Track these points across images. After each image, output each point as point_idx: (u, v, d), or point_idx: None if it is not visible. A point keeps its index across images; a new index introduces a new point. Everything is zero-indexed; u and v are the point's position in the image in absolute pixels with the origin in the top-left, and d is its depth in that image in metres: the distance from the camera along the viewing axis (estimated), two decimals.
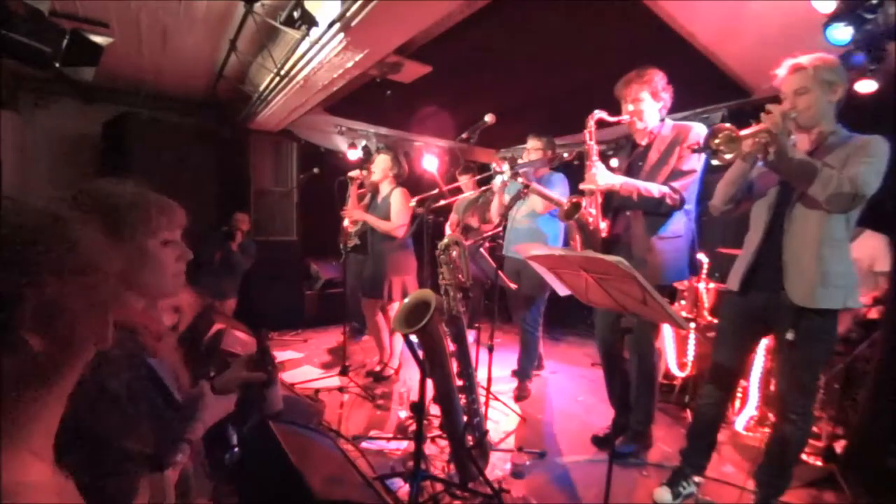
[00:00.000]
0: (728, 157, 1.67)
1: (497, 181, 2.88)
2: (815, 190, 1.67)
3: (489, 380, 2.92)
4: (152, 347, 0.99)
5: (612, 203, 2.39)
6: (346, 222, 3.65)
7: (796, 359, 1.81)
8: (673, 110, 2.38)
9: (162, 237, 1.00)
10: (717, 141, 1.68)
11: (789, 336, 1.75)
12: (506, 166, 2.70)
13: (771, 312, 1.88)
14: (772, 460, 1.96)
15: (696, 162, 2.23)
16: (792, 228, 1.80)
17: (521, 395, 3.33)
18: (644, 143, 2.39)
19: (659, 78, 2.29)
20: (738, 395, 2.81)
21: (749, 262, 1.92)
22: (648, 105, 2.30)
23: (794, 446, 1.91)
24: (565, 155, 2.89)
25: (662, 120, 2.36)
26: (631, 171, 2.39)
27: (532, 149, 3.23)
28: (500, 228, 3.06)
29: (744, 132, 1.65)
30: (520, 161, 2.96)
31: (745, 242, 1.99)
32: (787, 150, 1.65)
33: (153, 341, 0.99)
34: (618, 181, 2.27)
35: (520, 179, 2.85)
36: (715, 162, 1.72)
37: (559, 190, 3.16)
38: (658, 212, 2.27)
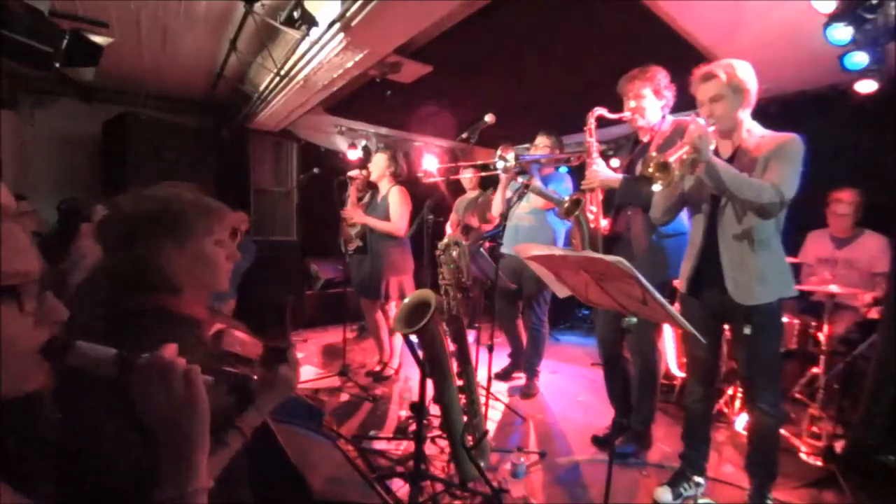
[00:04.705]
0: (663, 182, 1.71)
1: (500, 165, 2.84)
2: (743, 200, 1.74)
3: (489, 380, 2.91)
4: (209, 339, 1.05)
5: (614, 201, 2.39)
6: (344, 225, 3.65)
7: (757, 350, 1.88)
8: (673, 110, 2.38)
9: (216, 237, 1.07)
10: (650, 170, 1.71)
11: (747, 331, 1.83)
12: (511, 155, 2.69)
13: (725, 309, 1.94)
14: (756, 451, 2.01)
15: None
16: (725, 233, 1.88)
17: (527, 393, 3.32)
18: (646, 139, 2.39)
19: (662, 76, 2.29)
20: (739, 395, 2.81)
21: (693, 266, 2.00)
22: (650, 102, 2.30)
23: (774, 434, 1.98)
24: (571, 160, 2.87)
25: (664, 117, 2.36)
26: (633, 167, 2.39)
27: (541, 146, 3.24)
28: (501, 227, 3.05)
29: (671, 157, 1.68)
30: (523, 155, 2.95)
31: (689, 245, 2.07)
32: (713, 164, 1.72)
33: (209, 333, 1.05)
34: (618, 179, 2.27)
35: (520, 179, 2.85)
36: (656, 187, 1.75)
37: (561, 185, 3.15)
38: None
